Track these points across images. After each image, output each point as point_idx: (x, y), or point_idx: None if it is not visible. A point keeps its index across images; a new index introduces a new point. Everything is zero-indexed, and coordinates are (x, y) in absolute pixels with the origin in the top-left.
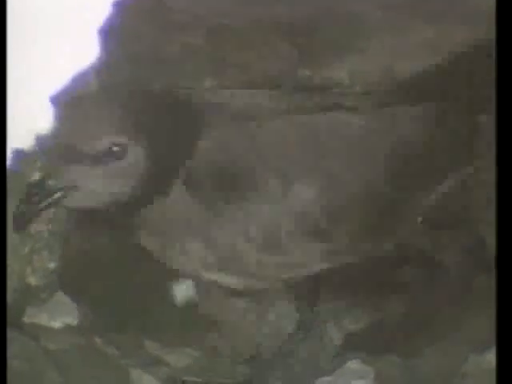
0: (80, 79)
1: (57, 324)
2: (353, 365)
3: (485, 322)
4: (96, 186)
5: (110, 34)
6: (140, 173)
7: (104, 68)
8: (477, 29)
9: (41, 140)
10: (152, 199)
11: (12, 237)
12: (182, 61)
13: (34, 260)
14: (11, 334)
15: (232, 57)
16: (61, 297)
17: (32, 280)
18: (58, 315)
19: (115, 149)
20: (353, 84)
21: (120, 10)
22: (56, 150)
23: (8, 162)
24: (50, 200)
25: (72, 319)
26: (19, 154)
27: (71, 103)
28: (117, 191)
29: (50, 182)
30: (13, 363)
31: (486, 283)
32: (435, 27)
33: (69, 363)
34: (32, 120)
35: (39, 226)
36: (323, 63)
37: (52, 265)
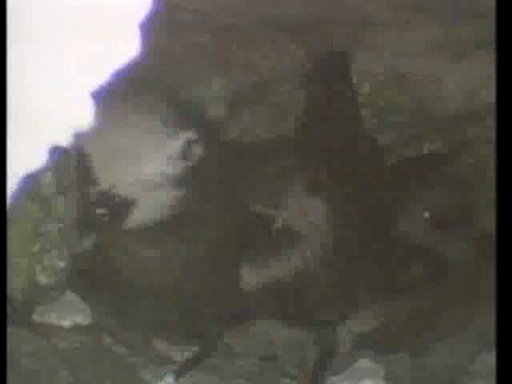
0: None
1: (66, 323)
2: (363, 364)
3: (493, 320)
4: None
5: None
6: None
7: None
8: (483, 27)
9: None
10: None
11: (21, 236)
12: (188, 60)
13: (43, 259)
14: (21, 333)
15: (238, 56)
16: (70, 296)
17: (41, 278)
18: (67, 314)
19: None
20: (361, 83)
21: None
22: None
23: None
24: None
25: (82, 318)
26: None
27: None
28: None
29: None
30: (23, 361)
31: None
32: (443, 25)
33: (78, 362)
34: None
35: (49, 226)
36: None
37: (62, 264)
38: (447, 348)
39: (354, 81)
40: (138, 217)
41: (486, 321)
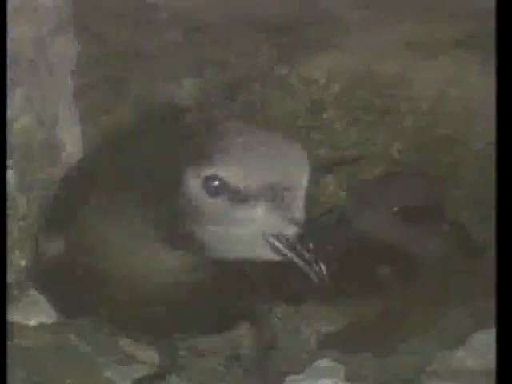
0: None
1: (31, 322)
2: (323, 363)
3: (459, 319)
4: None
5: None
6: None
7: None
8: (457, 27)
9: None
10: None
11: None
12: (161, 59)
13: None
14: None
15: (211, 55)
16: (34, 295)
17: None
18: (32, 313)
19: None
20: (329, 83)
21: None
22: None
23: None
24: None
25: (46, 317)
26: None
27: None
28: None
29: None
30: None
31: (464, 278)
32: (414, 26)
33: (41, 361)
34: None
35: (11, 225)
36: (301, 62)
37: (23, 262)
38: (410, 348)
39: (323, 80)
40: None
41: (450, 321)
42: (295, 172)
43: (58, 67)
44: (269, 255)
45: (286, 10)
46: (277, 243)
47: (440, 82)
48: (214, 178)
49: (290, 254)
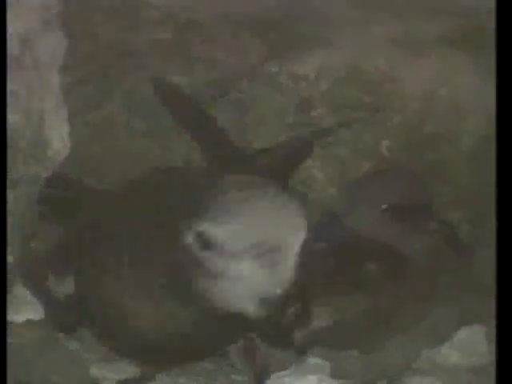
0: None
1: (19, 318)
2: (309, 360)
3: (446, 317)
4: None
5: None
6: None
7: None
8: (445, 25)
9: None
10: None
11: None
12: (151, 56)
13: None
14: None
15: (201, 52)
16: (22, 291)
17: None
18: (20, 310)
19: None
20: (318, 80)
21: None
22: None
23: None
24: None
25: (34, 314)
26: None
27: None
28: None
29: None
30: None
31: (452, 276)
32: (403, 23)
33: (27, 357)
34: None
35: None
36: (290, 59)
37: (10, 258)
38: (397, 345)
39: (312, 77)
40: None
41: (437, 318)
42: (287, 232)
43: (46, 64)
44: (257, 311)
45: (275, 7)
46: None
47: (429, 79)
48: (204, 233)
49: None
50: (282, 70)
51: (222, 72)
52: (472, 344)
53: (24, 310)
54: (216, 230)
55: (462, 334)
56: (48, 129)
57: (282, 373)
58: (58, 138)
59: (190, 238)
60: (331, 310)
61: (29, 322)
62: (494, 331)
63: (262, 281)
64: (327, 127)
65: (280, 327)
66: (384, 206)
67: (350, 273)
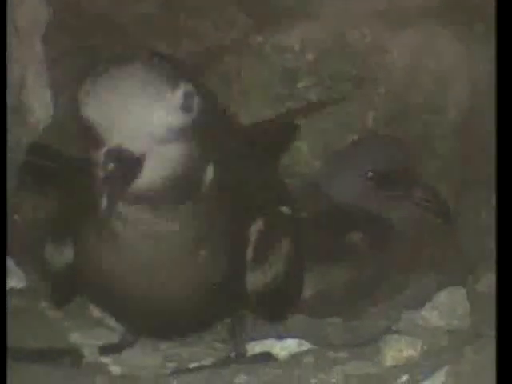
0: None
1: None
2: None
3: (429, 283)
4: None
5: None
6: None
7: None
8: None
9: None
10: None
11: None
12: (136, 30)
13: None
14: None
15: (186, 26)
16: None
17: None
18: None
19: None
20: (303, 52)
21: None
22: None
23: None
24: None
25: (16, 282)
26: None
27: None
28: None
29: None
30: None
31: (436, 243)
32: None
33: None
34: None
35: None
36: (276, 31)
37: None
38: (379, 311)
39: (297, 49)
40: (149, 173)
41: (420, 285)
42: None
43: (27, 31)
44: None
45: None
46: None
47: (414, 50)
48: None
49: None
50: (268, 42)
51: (208, 45)
52: (451, 306)
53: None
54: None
55: (442, 296)
56: (29, 96)
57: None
58: (40, 106)
59: None
60: (315, 280)
61: (11, 290)
62: (473, 294)
63: None
64: (315, 102)
65: (273, 303)
66: (370, 174)
67: (333, 243)
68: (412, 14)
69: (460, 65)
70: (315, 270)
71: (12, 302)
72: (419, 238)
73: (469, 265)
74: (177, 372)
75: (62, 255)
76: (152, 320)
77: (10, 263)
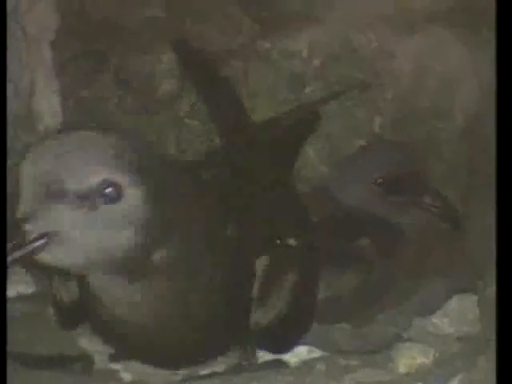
0: None
1: (10, 292)
2: None
3: (438, 289)
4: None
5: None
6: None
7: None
8: (438, 1)
9: None
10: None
11: None
12: (142, 34)
13: None
14: None
15: (192, 30)
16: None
17: None
18: (11, 284)
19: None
20: (311, 57)
21: None
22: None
23: None
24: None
25: (25, 288)
26: None
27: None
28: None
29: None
30: None
31: (444, 249)
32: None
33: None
34: None
35: None
36: (283, 36)
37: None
38: (388, 317)
39: (304, 54)
40: None
41: (430, 291)
42: None
43: (36, 37)
44: None
45: None
46: None
47: (421, 55)
48: None
49: None
50: (275, 47)
51: (215, 49)
52: (463, 313)
53: (15, 283)
54: None
55: (453, 303)
56: (38, 103)
57: None
58: (49, 113)
59: None
60: (323, 286)
61: (20, 296)
62: (483, 301)
63: None
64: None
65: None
66: (379, 180)
67: (342, 248)
68: (418, 18)
69: (466, 69)
70: (323, 275)
71: (21, 308)
72: (428, 243)
73: (478, 270)
74: (188, 379)
75: (68, 291)
76: (152, 356)
77: (19, 269)
